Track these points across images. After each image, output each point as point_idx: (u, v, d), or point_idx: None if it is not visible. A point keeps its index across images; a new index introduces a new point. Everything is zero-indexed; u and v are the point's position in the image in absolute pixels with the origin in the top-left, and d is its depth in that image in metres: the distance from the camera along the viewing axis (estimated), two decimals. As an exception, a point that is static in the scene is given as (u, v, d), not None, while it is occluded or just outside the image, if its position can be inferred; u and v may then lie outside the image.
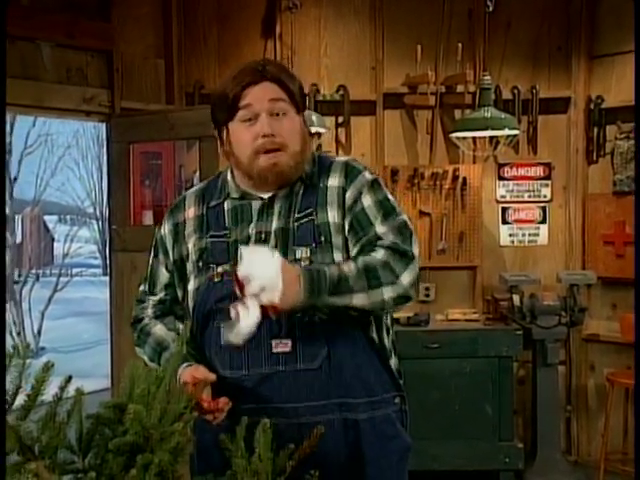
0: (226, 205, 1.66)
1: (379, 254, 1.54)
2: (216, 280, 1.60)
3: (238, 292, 1.43)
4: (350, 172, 1.63)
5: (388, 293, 1.52)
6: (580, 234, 4.38)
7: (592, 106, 4.28)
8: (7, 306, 10.32)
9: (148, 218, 4.08)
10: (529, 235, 4.43)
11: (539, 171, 4.42)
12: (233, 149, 1.61)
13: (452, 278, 4.35)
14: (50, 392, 1.13)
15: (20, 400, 1.09)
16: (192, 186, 4.21)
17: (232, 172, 1.69)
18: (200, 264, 1.64)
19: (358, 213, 1.60)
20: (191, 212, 1.69)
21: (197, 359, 1.60)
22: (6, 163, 11.86)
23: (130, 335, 1.77)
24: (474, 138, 4.19)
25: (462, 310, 4.22)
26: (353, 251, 1.59)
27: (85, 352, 10.09)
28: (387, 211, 1.60)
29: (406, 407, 1.71)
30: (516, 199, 4.43)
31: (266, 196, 1.64)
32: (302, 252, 1.57)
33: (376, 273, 1.51)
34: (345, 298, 1.50)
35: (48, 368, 1.10)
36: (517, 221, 4.43)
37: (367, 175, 1.64)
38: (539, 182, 4.42)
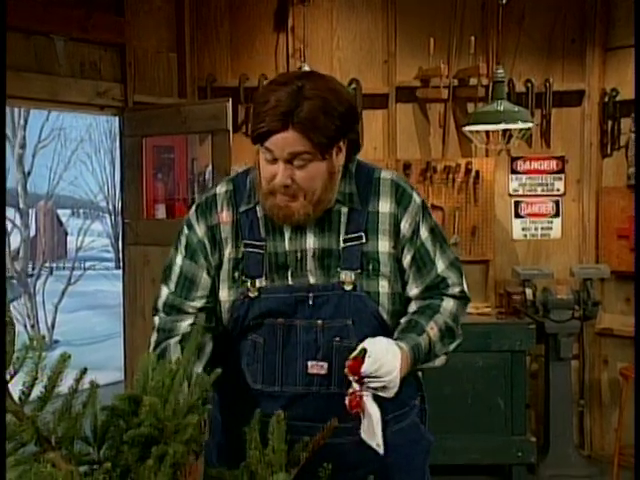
0: (258, 211, 1.59)
1: (449, 305, 1.64)
2: (252, 295, 1.56)
3: (351, 379, 1.43)
4: (401, 196, 1.61)
5: (455, 345, 1.65)
6: (594, 228, 4.35)
7: (606, 99, 4.24)
8: (22, 299, 10.40)
9: (161, 212, 4.10)
10: (542, 229, 4.41)
11: (552, 164, 4.39)
12: (258, 167, 1.55)
13: (465, 272, 4.32)
14: (65, 384, 1.14)
15: (37, 392, 1.10)
16: (204, 180, 4.20)
17: None
18: (236, 275, 1.59)
19: (419, 248, 1.62)
20: (224, 216, 1.61)
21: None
22: (21, 157, 11.90)
23: (143, 327, 1.75)
24: (487, 131, 4.17)
25: (475, 304, 4.20)
26: (413, 288, 1.62)
27: (98, 345, 10.15)
28: (441, 241, 1.67)
29: (426, 405, 1.72)
30: (529, 193, 4.41)
31: None
32: (347, 275, 1.55)
33: (453, 332, 1.63)
34: (430, 363, 1.61)
35: (65, 359, 1.11)
36: (530, 215, 4.41)
37: (416, 198, 1.63)
38: (552, 176, 4.39)
